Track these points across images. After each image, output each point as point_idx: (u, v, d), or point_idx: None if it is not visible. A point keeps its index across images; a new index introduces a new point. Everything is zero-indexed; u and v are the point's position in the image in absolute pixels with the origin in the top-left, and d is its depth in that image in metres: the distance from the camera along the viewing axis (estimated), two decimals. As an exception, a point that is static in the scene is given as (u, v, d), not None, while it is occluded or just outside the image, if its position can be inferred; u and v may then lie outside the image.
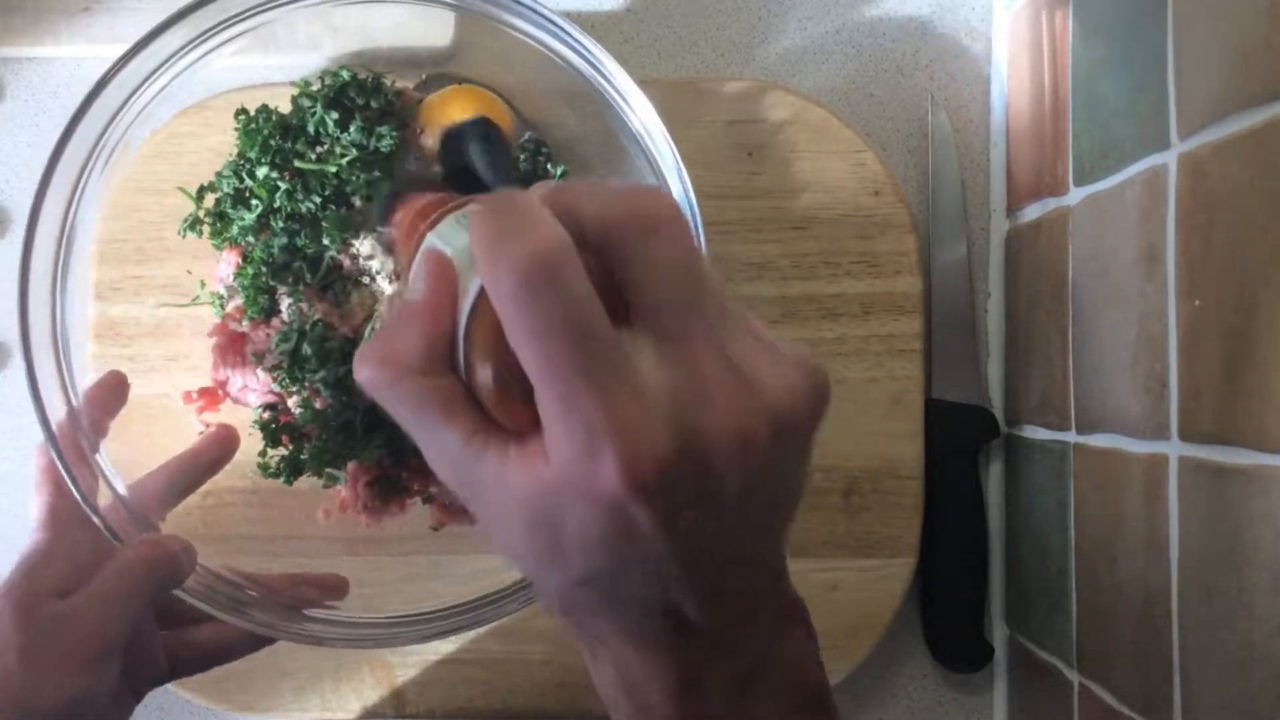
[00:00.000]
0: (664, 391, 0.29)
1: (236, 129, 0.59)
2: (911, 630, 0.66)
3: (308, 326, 0.58)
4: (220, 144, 0.60)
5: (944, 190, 0.66)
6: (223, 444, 0.59)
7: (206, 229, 0.60)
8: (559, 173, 0.60)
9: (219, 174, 0.60)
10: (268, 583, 0.55)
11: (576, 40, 0.53)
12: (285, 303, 0.59)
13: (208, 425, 0.60)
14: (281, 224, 0.58)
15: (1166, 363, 0.45)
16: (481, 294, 0.30)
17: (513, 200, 0.30)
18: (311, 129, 0.59)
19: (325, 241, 0.58)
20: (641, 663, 0.33)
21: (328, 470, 0.59)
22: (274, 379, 0.59)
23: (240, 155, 0.59)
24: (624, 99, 0.53)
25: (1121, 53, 0.50)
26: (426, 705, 0.65)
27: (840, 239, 0.64)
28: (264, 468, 0.59)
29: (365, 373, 0.31)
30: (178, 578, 0.50)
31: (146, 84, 0.53)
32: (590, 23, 0.67)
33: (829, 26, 0.68)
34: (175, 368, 0.62)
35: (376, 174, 0.58)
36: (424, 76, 0.62)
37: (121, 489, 0.53)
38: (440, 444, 0.31)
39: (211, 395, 0.60)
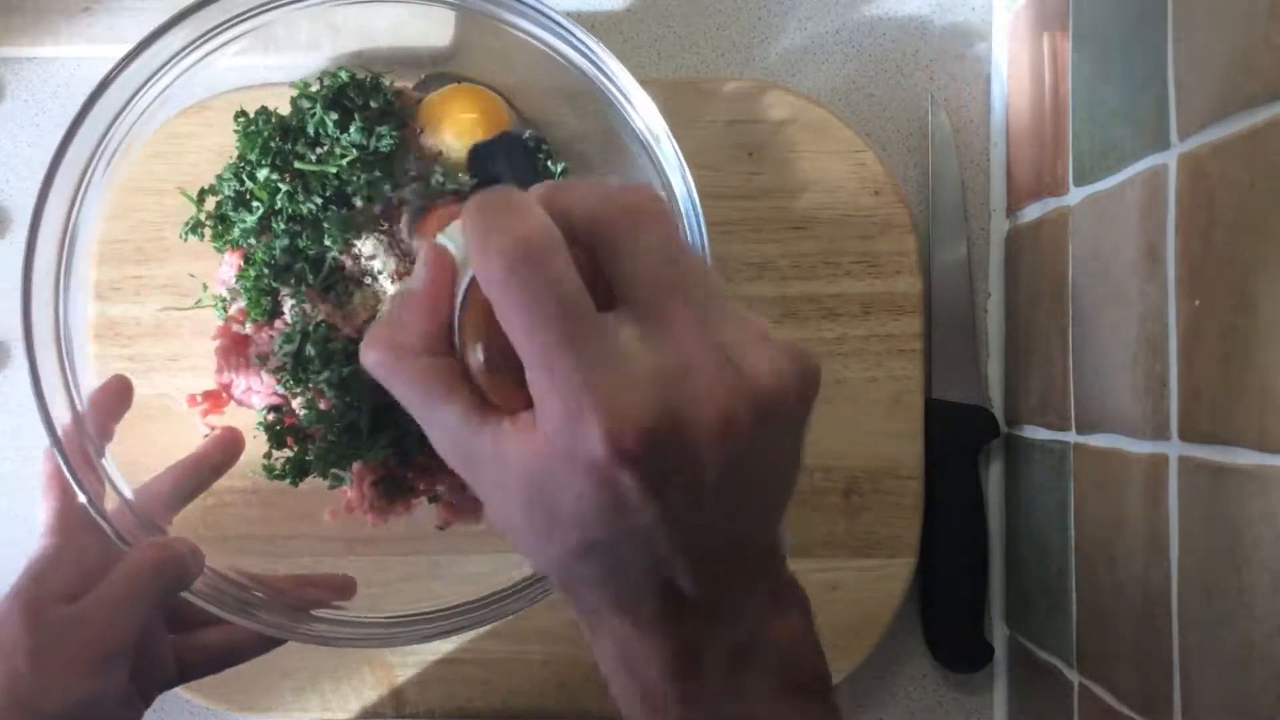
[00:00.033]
0: (648, 368, 0.30)
1: (236, 131, 0.59)
2: (911, 630, 0.66)
3: (311, 328, 0.58)
4: (220, 144, 0.60)
5: (944, 190, 0.66)
6: (227, 447, 0.59)
7: (208, 232, 0.60)
8: (559, 170, 0.60)
9: (219, 177, 0.60)
10: (275, 584, 0.55)
11: (579, 40, 0.53)
12: (288, 304, 0.59)
13: (212, 428, 0.60)
14: (283, 226, 0.58)
15: (1166, 363, 0.45)
16: (473, 281, 0.32)
17: (505, 195, 0.31)
18: (311, 130, 0.59)
19: (327, 242, 0.58)
20: (638, 637, 0.34)
21: (333, 471, 0.59)
22: (278, 381, 0.59)
23: (240, 157, 0.59)
24: (627, 98, 0.53)
25: (1121, 53, 0.50)
26: (426, 705, 0.65)
27: (840, 239, 0.64)
28: (269, 470, 0.59)
29: (371, 355, 0.33)
30: (185, 580, 0.50)
31: (149, 84, 0.53)
32: (590, 23, 0.67)
33: (829, 26, 0.68)
34: (176, 368, 0.62)
35: (377, 174, 0.58)
36: (423, 76, 0.62)
37: (128, 493, 0.53)
38: (440, 421, 0.33)
39: (216, 398, 0.60)
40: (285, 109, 0.59)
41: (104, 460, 0.52)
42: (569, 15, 0.53)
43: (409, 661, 0.64)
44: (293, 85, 0.59)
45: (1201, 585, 0.43)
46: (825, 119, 0.64)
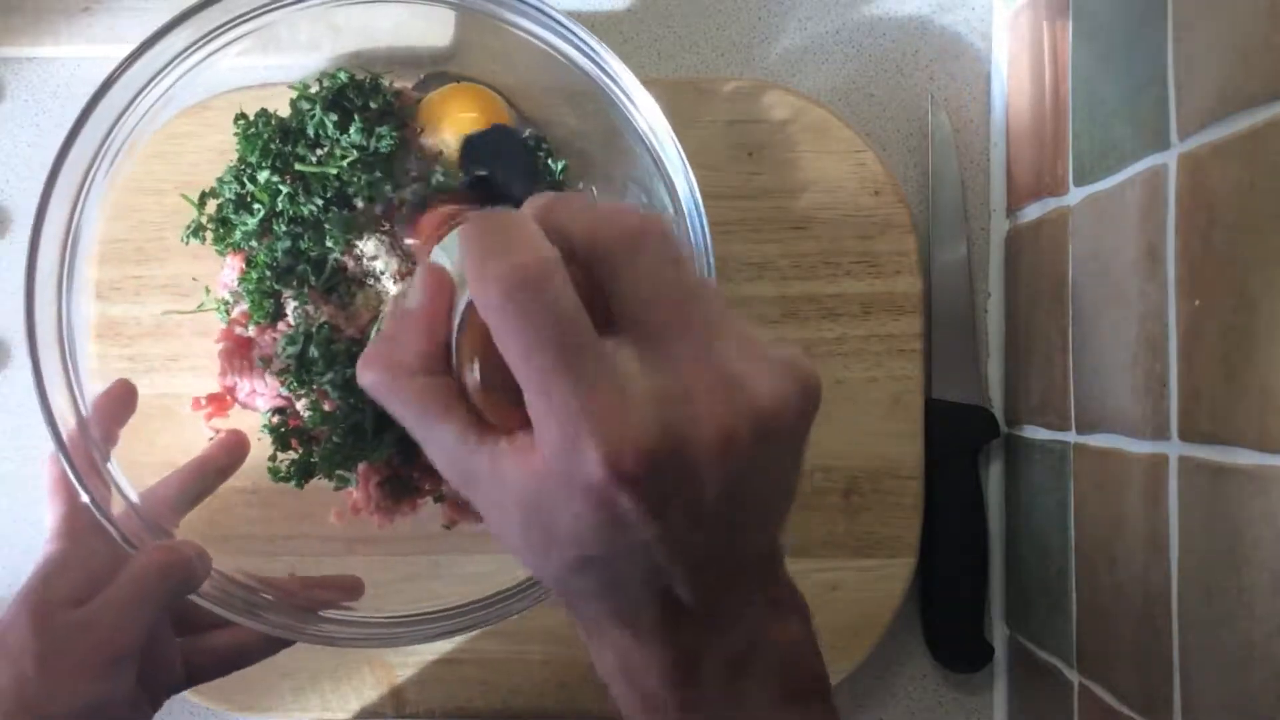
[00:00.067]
0: (647, 390, 0.30)
1: (236, 133, 0.59)
2: (911, 630, 0.66)
3: (314, 329, 0.58)
4: (220, 144, 0.60)
5: (944, 190, 0.66)
6: (233, 450, 0.59)
7: (209, 235, 0.60)
8: (559, 168, 0.60)
9: (220, 179, 0.60)
10: (282, 585, 0.55)
11: (581, 39, 0.53)
12: (291, 306, 0.59)
13: (217, 431, 0.60)
14: (284, 228, 0.58)
15: (1166, 363, 0.45)
16: (470, 303, 0.32)
17: (502, 216, 0.31)
18: (311, 132, 0.59)
19: (328, 244, 0.58)
20: (637, 646, 0.34)
21: (338, 472, 0.59)
22: (282, 383, 0.59)
23: (241, 160, 0.59)
24: (629, 98, 0.54)
25: (1121, 53, 0.50)
26: (426, 705, 0.65)
27: (840, 239, 0.64)
28: (274, 472, 0.59)
29: (368, 375, 0.33)
30: (192, 583, 0.50)
31: (151, 85, 0.53)
32: (590, 23, 0.67)
33: (829, 26, 0.68)
34: (176, 368, 0.62)
35: (378, 175, 0.58)
36: (423, 76, 0.62)
37: (134, 497, 0.53)
38: (438, 440, 0.33)
39: (220, 401, 0.60)
40: (285, 109, 0.59)
41: (109, 465, 0.52)
42: (568, 15, 0.53)
43: (409, 661, 0.64)
44: (292, 87, 0.59)
45: (1201, 585, 0.43)
46: (825, 119, 0.64)
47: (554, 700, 0.64)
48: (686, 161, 0.53)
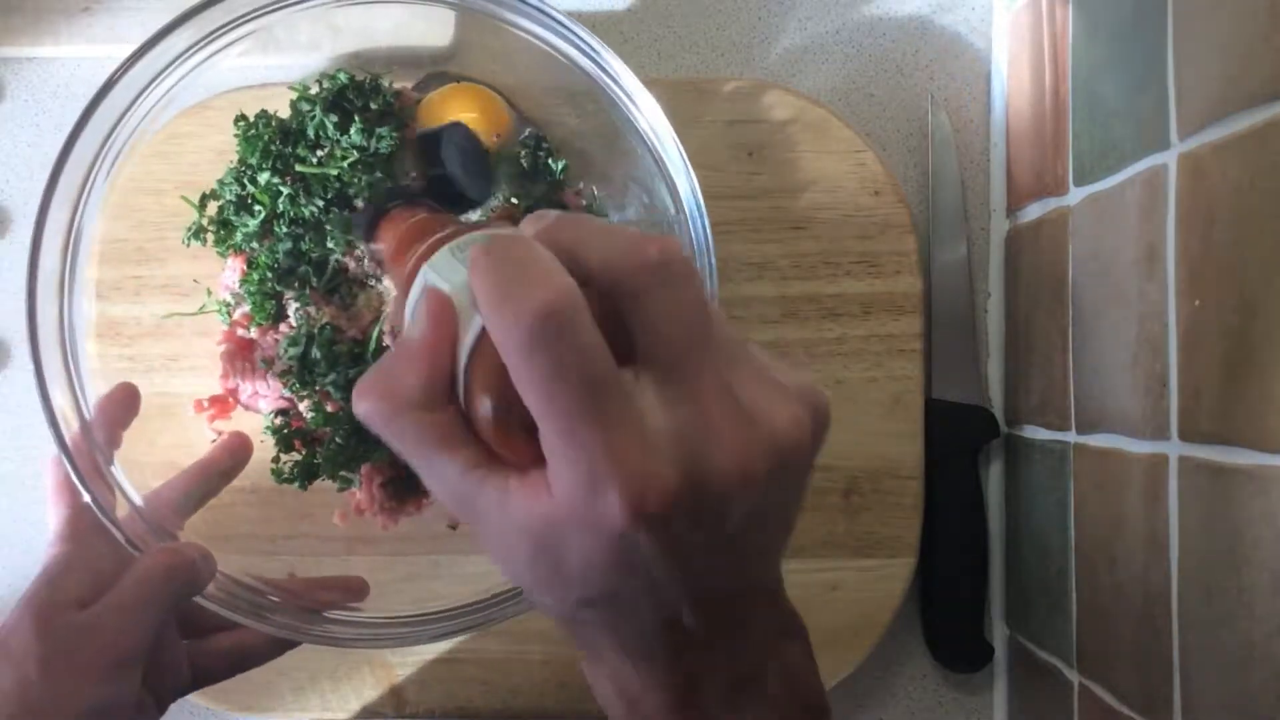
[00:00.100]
0: (669, 429, 0.29)
1: (236, 135, 0.59)
2: (911, 630, 0.66)
3: (316, 330, 0.58)
4: (220, 144, 0.60)
5: (944, 190, 0.66)
6: (236, 452, 0.59)
7: (210, 237, 0.60)
8: (559, 168, 0.60)
9: (220, 181, 0.60)
10: (287, 586, 0.55)
11: (582, 39, 0.53)
12: (292, 307, 0.59)
13: (219, 433, 0.60)
14: (285, 229, 0.58)
15: (1166, 363, 0.45)
16: (483, 334, 0.31)
17: (515, 245, 0.30)
18: (311, 133, 0.59)
19: (330, 245, 0.58)
20: (639, 673, 0.34)
21: (342, 474, 0.59)
22: (284, 384, 0.59)
23: (241, 161, 0.59)
24: (629, 98, 0.54)
25: (1121, 53, 0.50)
26: (426, 705, 0.65)
27: (840, 239, 0.64)
28: (277, 474, 0.59)
29: (364, 407, 0.32)
30: (197, 585, 0.50)
31: (152, 85, 0.53)
32: (590, 23, 0.67)
33: (829, 26, 0.68)
34: (176, 367, 0.62)
35: (378, 175, 0.58)
36: (423, 76, 0.62)
37: (137, 500, 0.53)
38: (441, 476, 0.32)
39: (222, 403, 0.60)
40: (285, 109, 0.59)
41: (112, 467, 0.52)
42: (568, 15, 0.53)
43: (409, 661, 0.64)
44: (292, 88, 0.59)
45: (1201, 585, 0.43)
46: (825, 119, 0.64)
47: (554, 700, 0.64)
48: (688, 161, 0.53)
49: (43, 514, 0.53)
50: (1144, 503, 0.48)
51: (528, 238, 0.31)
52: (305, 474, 0.59)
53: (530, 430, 0.30)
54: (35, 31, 0.66)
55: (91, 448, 0.51)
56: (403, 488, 0.59)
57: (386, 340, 0.58)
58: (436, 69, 0.62)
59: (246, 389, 0.60)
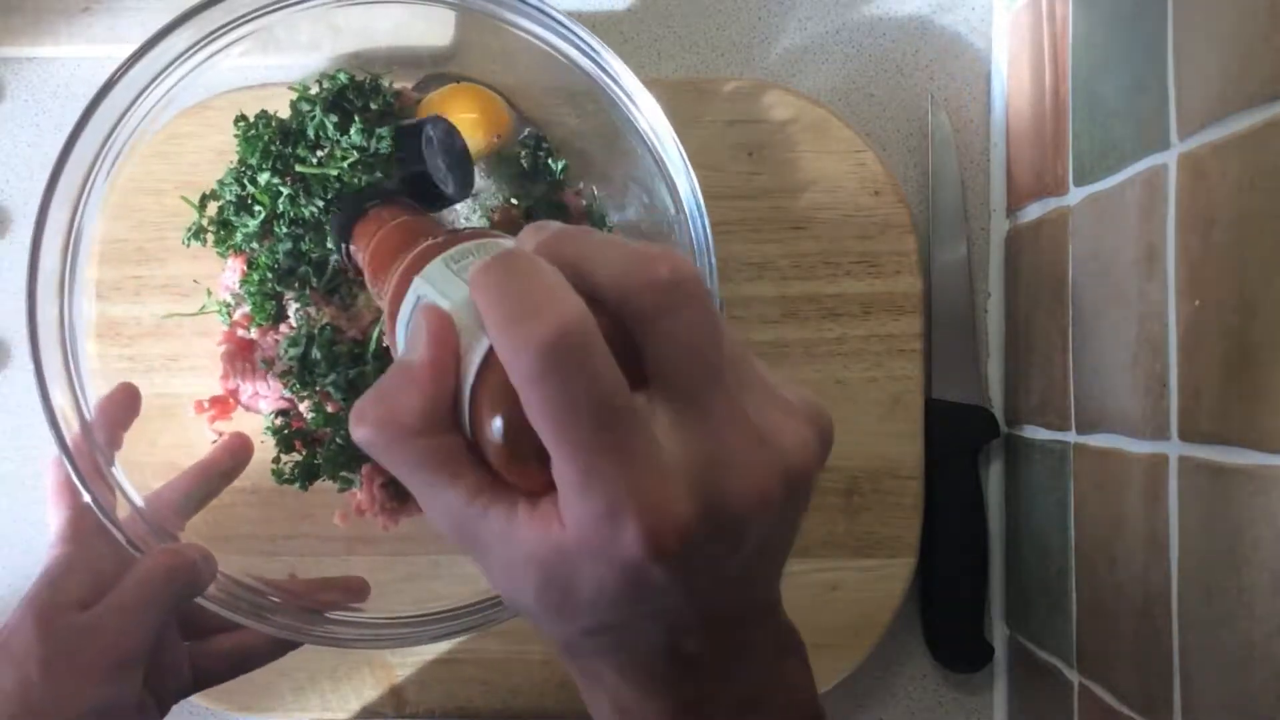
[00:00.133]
0: (684, 458, 0.29)
1: (236, 135, 0.59)
2: (911, 630, 0.66)
3: (316, 331, 0.58)
4: (220, 144, 0.60)
5: (944, 190, 0.66)
6: (236, 453, 0.59)
7: (210, 237, 0.60)
8: (559, 168, 0.60)
9: (221, 182, 0.60)
10: (288, 587, 0.55)
11: (581, 39, 0.53)
12: (292, 308, 0.59)
13: (220, 434, 0.60)
14: (285, 229, 0.58)
15: (1166, 363, 0.45)
16: (489, 356, 0.29)
17: (521, 264, 0.29)
18: (311, 133, 0.59)
19: (330, 245, 0.58)
20: (641, 698, 0.33)
21: (342, 474, 0.59)
22: (285, 385, 0.59)
23: (241, 162, 0.59)
24: (629, 98, 0.54)
25: (1121, 53, 0.50)
26: (426, 705, 0.65)
27: (840, 239, 0.64)
28: (278, 474, 0.59)
29: (362, 433, 0.31)
30: (198, 586, 0.50)
31: (153, 85, 0.53)
32: (590, 23, 0.67)
33: (829, 26, 0.68)
34: (176, 367, 0.62)
35: (378, 175, 0.58)
36: (422, 76, 0.62)
37: (138, 500, 0.53)
38: (442, 502, 0.31)
39: (223, 404, 0.60)
40: (285, 110, 0.59)
41: (113, 468, 0.52)
42: (569, 15, 0.53)
43: (409, 661, 0.64)
44: (292, 88, 0.59)
45: (1201, 585, 0.43)
46: (825, 119, 0.64)
47: (554, 700, 0.64)
48: (688, 161, 0.53)
49: (43, 514, 0.53)
50: (1144, 503, 0.48)
51: (531, 254, 0.30)
52: (306, 474, 0.59)
53: (541, 456, 0.29)
54: (35, 31, 0.66)
55: (92, 448, 0.51)
56: (403, 489, 0.59)
57: (387, 341, 0.58)
58: (436, 69, 0.62)
59: (247, 389, 0.60)
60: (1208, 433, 0.42)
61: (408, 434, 0.30)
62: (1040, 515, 0.60)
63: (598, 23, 0.68)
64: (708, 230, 0.53)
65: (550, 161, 0.60)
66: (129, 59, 0.51)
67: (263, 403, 0.60)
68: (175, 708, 0.63)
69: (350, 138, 0.58)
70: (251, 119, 0.59)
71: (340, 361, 0.58)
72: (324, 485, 0.60)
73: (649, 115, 0.53)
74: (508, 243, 0.36)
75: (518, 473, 0.30)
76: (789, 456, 0.30)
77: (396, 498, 0.59)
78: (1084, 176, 0.54)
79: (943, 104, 0.67)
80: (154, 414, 0.57)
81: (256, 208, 0.59)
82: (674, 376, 0.29)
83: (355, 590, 0.57)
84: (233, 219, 0.59)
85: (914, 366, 0.64)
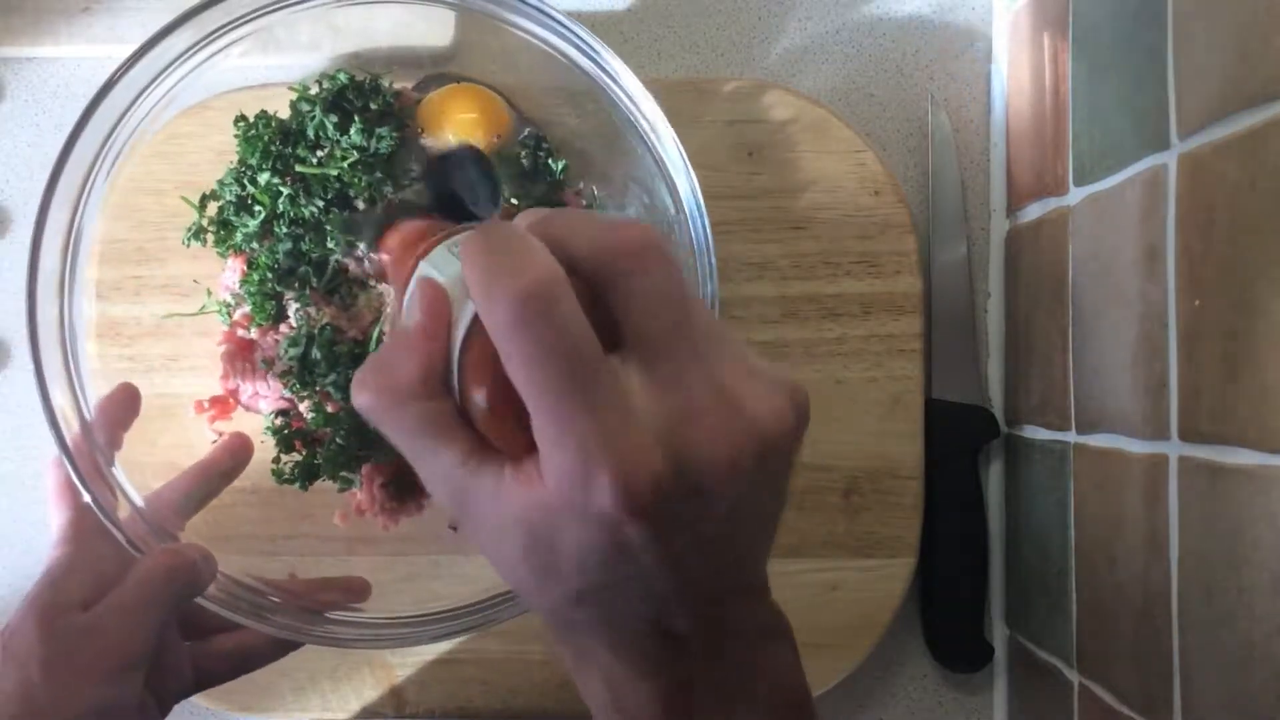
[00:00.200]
0: (655, 415, 0.30)
1: (236, 135, 0.59)
2: (911, 630, 0.66)
3: (316, 331, 0.58)
4: (220, 144, 0.60)
5: (944, 190, 0.66)
6: (236, 453, 0.59)
7: (210, 237, 0.60)
8: (559, 168, 0.60)
9: (221, 182, 0.60)
10: (288, 587, 0.55)
11: (581, 39, 0.53)
12: (293, 308, 0.59)
13: (220, 434, 0.60)
14: (285, 229, 0.58)
15: (1166, 363, 0.45)
16: (475, 322, 0.31)
17: (504, 232, 0.31)
18: (311, 133, 0.59)
19: (330, 245, 0.58)
20: (630, 678, 0.34)
21: (342, 474, 0.59)
22: (285, 385, 0.59)
23: (241, 162, 0.59)
24: (629, 98, 0.54)
25: (1121, 52, 0.50)
26: (426, 705, 0.65)
27: (840, 239, 0.64)
28: (278, 474, 0.59)
29: (363, 398, 0.32)
30: (198, 586, 0.50)
31: (153, 85, 0.53)
32: (590, 23, 0.67)
33: (829, 26, 0.68)
34: (176, 367, 0.62)
35: (378, 175, 0.58)
36: (422, 76, 0.62)
37: (139, 501, 0.53)
38: (437, 465, 0.32)
39: (223, 404, 0.60)
40: (285, 110, 0.59)
41: (113, 469, 0.52)
42: (569, 15, 0.53)
43: (409, 662, 0.64)
44: (292, 88, 0.59)
45: (1201, 585, 0.43)
46: (825, 119, 0.64)
47: (554, 700, 0.64)
48: (688, 161, 0.53)
49: (43, 514, 0.53)
50: (1144, 503, 0.48)
51: (516, 226, 0.32)
52: (306, 475, 0.59)
53: (523, 420, 0.30)
54: (35, 31, 0.66)
55: (92, 448, 0.51)
56: (403, 488, 0.59)
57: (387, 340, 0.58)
58: (436, 69, 0.62)
59: (247, 389, 0.60)
60: (1208, 433, 0.42)
61: (404, 398, 0.32)
62: (1040, 515, 0.60)
63: (598, 23, 0.68)
64: (708, 230, 0.53)
65: (550, 161, 0.60)
66: (129, 59, 0.51)
67: (263, 403, 0.60)
68: (176, 707, 0.63)
69: (350, 138, 0.58)
70: (251, 119, 0.59)
71: (340, 361, 0.58)
72: (324, 485, 0.60)
73: (648, 115, 0.53)
74: None
75: (502, 435, 0.32)
76: (760, 423, 0.31)
77: (396, 498, 0.59)
78: (1084, 176, 0.54)
79: (943, 104, 0.67)
80: (154, 414, 0.58)
81: (256, 208, 0.59)
82: (644, 336, 0.31)
83: (356, 590, 0.57)
84: (233, 219, 0.59)
85: (914, 366, 0.64)
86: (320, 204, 0.58)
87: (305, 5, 0.54)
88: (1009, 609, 0.65)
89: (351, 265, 0.59)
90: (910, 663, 0.67)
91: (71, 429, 0.51)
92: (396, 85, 0.61)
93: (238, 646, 0.54)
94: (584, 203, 0.61)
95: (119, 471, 0.53)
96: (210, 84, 0.57)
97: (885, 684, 0.67)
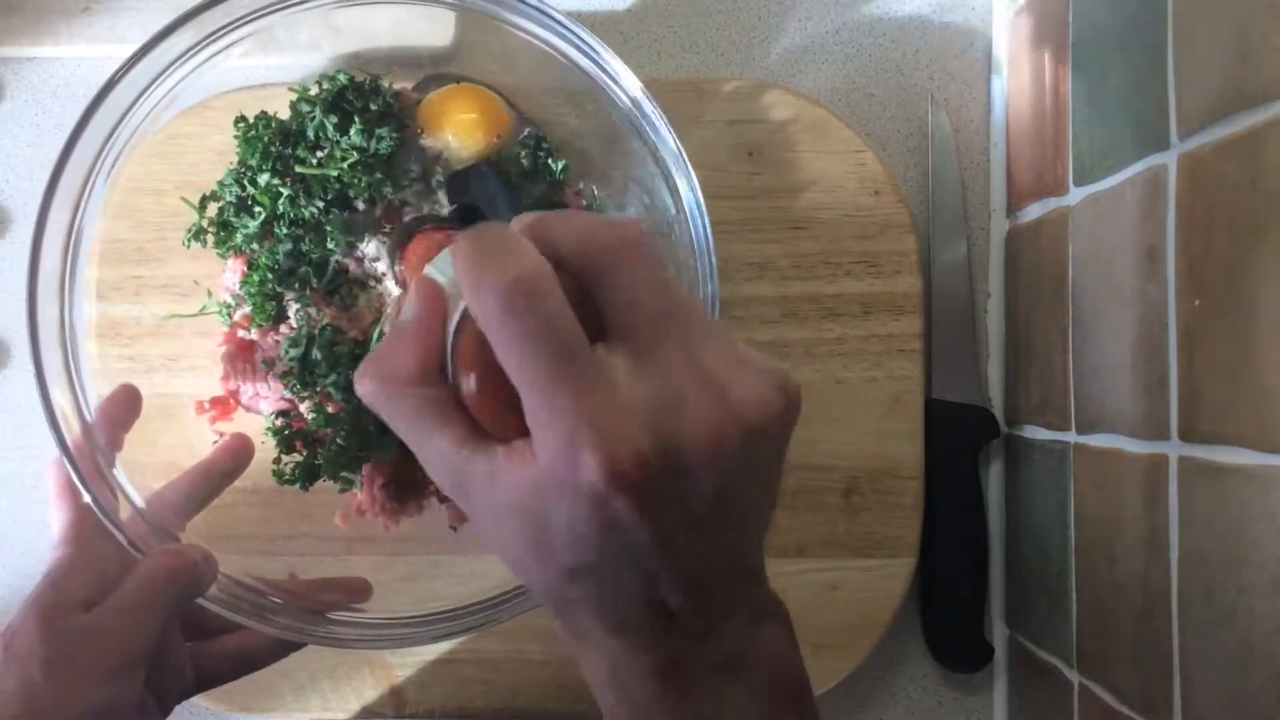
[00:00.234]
0: (640, 398, 0.31)
1: (236, 136, 0.59)
2: (911, 630, 0.66)
3: (317, 331, 0.58)
4: (220, 144, 0.60)
5: (944, 190, 0.66)
6: (237, 453, 0.59)
7: (210, 238, 0.60)
8: (559, 168, 0.60)
9: (220, 183, 0.60)
10: (289, 588, 0.55)
11: (581, 39, 0.53)
12: (293, 309, 0.59)
13: (220, 434, 0.60)
14: (285, 230, 0.58)
15: (1166, 363, 0.45)
16: (466, 314, 0.33)
17: (494, 232, 0.32)
18: (311, 134, 0.59)
19: (330, 246, 0.58)
20: (627, 656, 0.35)
21: (343, 474, 0.59)
22: (285, 385, 0.59)
23: (241, 163, 0.59)
24: (629, 98, 0.54)
25: (1122, 52, 0.50)
26: (426, 705, 0.65)
27: (840, 239, 0.64)
28: (278, 475, 0.59)
29: (365, 386, 0.34)
30: (199, 587, 0.50)
31: (153, 86, 0.53)
32: (590, 23, 0.67)
33: (829, 26, 0.68)
34: (176, 367, 0.62)
35: (378, 176, 0.58)
36: (422, 76, 0.62)
37: (139, 501, 0.53)
38: (435, 449, 0.34)
39: (223, 404, 0.60)
40: (285, 110, 0.59)
41: (114, 469, 0.52)
42: (568, 15, 0.53)
43: (409, 662, 0.64)
44: (292, 89, 0.59)
45: (1201, 585, 0.43)
46: (825, 119, 0.64)
47: (554, 700, 0.64)
48: (688, 161, 0.53)
49: (44, 515, 0.53)
50: (1144, 503, 0.48)
51: (506, 225, 0.33)
52: (306, 475, 0.59)
53: (515, 405, 0.31)
54: (35, 31, 0.66)
55: (93, 449, 0.51)
56: (404, 488, 0.59)
57: None
58: (436, 69, 0.62)
59: (247, 390, 0.60)
60: (1208, 433, 0.42)
61: (403, 385, 0.34)
62: (1040, 515, 0.60)
63: (598, 23, 0.68)
64: (708, 230, 0.53)
65: (550, 161, 0.60)
66: (129, 59, 0.51)
67: (263, 403, 0.60)
68: (176, 708, 0.63)
69: (350, 138, 0.58)
70: (251, 120, 0.59)
71: (341, 362, 0.57)
72: (324, 486, 0.60)
73: (648, 115, 0.53)
74: None
75: (494, 420, 0.33)
76: (745, 407, 0.32)
77: (396, 498, 0.59)
78: (1084, 176, 0.54)
79: (943, 104, 0.67)
80: (154, 414, 0.58)
81: (256, 209, 0.59)
82: (630, 327, 0.32)
83: (356, 590, 0.57)
84: (233, 220, 0.59)
85: (914, 366, 0.64)
86: (320, 205, 0.58)
87: (305, 6, 0.54)
88: (1009, 609, 0.65)
89: (352, 266, 0.59)
90: (910, 663, 0.67)
91: (72, 429, 0.51)
92: (396, 85, 0.61)
93: (239, 647, 0.54)
94: (584, 203, 0.61)
95: (120, 472, 0.53)
96: (210, 84, 0.57)
97: (885, 684, 0.67)
